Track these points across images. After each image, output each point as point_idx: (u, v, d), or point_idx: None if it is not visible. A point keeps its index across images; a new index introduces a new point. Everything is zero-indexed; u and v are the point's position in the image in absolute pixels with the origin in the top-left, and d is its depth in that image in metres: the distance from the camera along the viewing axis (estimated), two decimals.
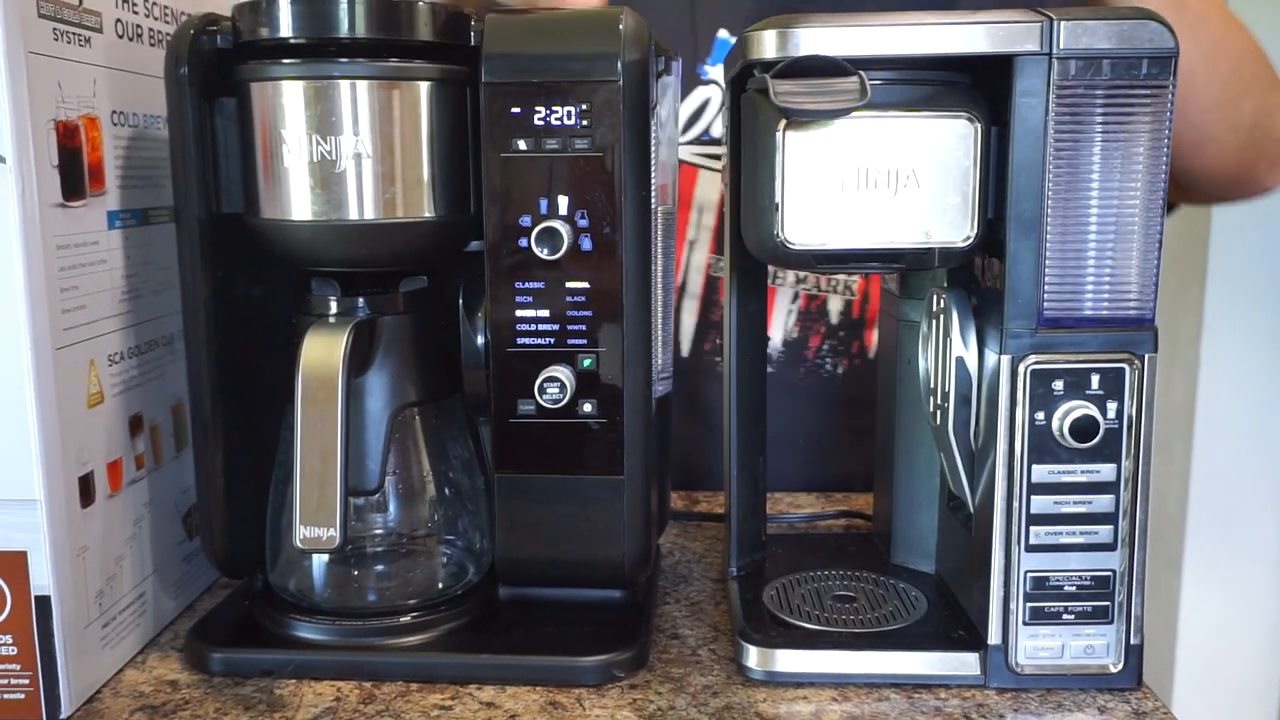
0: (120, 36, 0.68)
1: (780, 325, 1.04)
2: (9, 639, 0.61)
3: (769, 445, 0.78)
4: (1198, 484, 1.81)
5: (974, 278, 0.70)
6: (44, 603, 0.61)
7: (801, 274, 1.04)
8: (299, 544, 0.61)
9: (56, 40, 0.61)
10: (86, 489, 0.64)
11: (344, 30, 0.63)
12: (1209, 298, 1.76)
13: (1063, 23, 0.59)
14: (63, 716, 0.62)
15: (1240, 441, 1.79)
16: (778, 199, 0.60)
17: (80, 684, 0.63)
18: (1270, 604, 1.82)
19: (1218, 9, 0.96)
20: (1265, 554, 1.82)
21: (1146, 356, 0.62)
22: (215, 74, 0.66)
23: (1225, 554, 1.82)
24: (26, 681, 0.62)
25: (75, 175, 0.63)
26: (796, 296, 1.04)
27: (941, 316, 0.68)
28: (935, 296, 0.69)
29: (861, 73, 0.58)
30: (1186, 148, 0.99)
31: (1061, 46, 0.59)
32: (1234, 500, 1.81)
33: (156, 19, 0.72)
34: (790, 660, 0.66)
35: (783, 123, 0.60)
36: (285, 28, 0.63)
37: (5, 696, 0.62)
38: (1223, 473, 1.81)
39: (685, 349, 1.05)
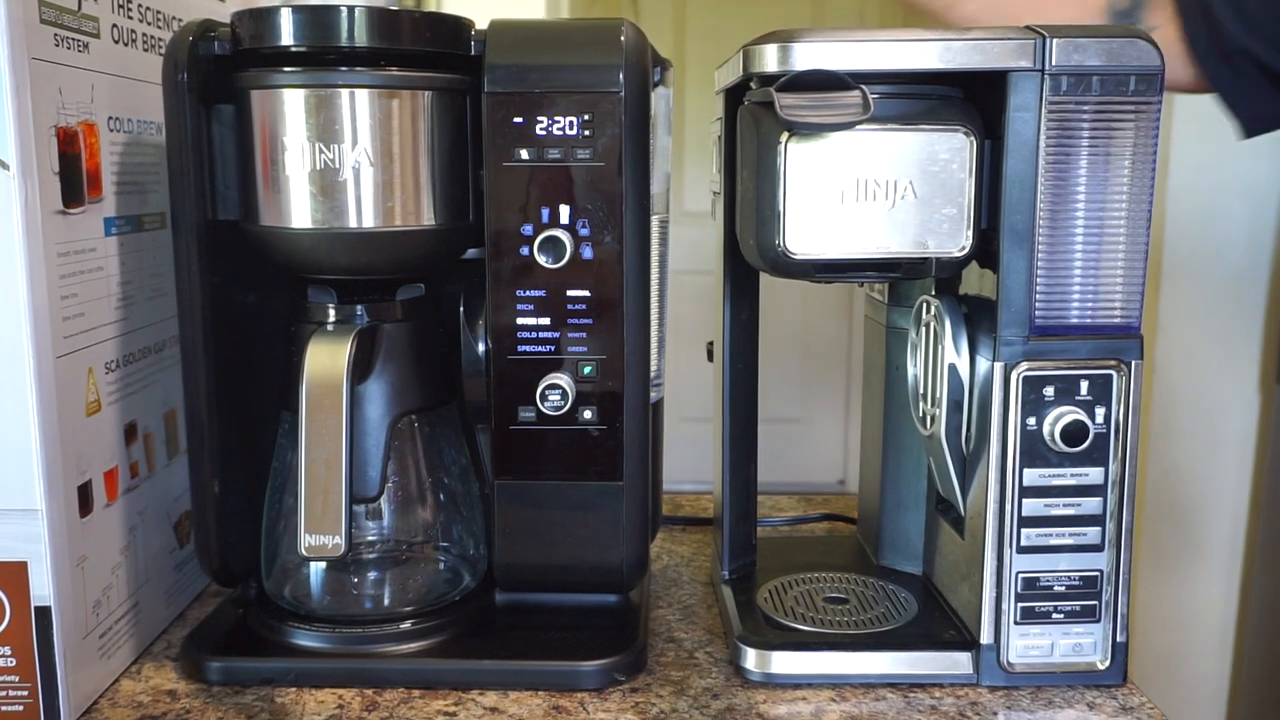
0: (117, 42, 0.67)
1: None
2: (8, 650, 0.61)
3: None
4: (1152, 482, 1.86)
5: (963, 286, 0.71)
6: (44, 613, 0.61)
7: None
8: (304, 552, 0.61)
9: (57, 46, 0.60)
10: (85, 498, 0.63)
11: (344, 39, 0.63)
12: (1163, 298, 1.80)
13: (1055, 40, 0.61)
14: None
15: (1193, 440, 1.84)
16: (779, 209, 0.62)
17: (79, 695, 0.63)
18: (1222, 600, 1.87)
19: None
20: (1217, 551, 1.87)
21: (1133, 363, 0.64)
22: (213, 80, 0.66)
23: (1178, 551, 1.87)
24: (25, 693, 0.61)
25: (74, 182, 0.62)
26: None
27: (933, 324, 0.69)
28: (926, 304, 0.70)
29: (863, 87, 0.59)
30: None
31: (1054, 63, 0.61)
32: (1187, 498, 1.86)
33: (150, 24, 0.72)
34: (787, 662, 0.67)
35: (785, 135, 0.61)
36: (286, 36, 0.63)
37: (4, 708, 0.61)
38: (1176, 470, 1.85)
39: None
